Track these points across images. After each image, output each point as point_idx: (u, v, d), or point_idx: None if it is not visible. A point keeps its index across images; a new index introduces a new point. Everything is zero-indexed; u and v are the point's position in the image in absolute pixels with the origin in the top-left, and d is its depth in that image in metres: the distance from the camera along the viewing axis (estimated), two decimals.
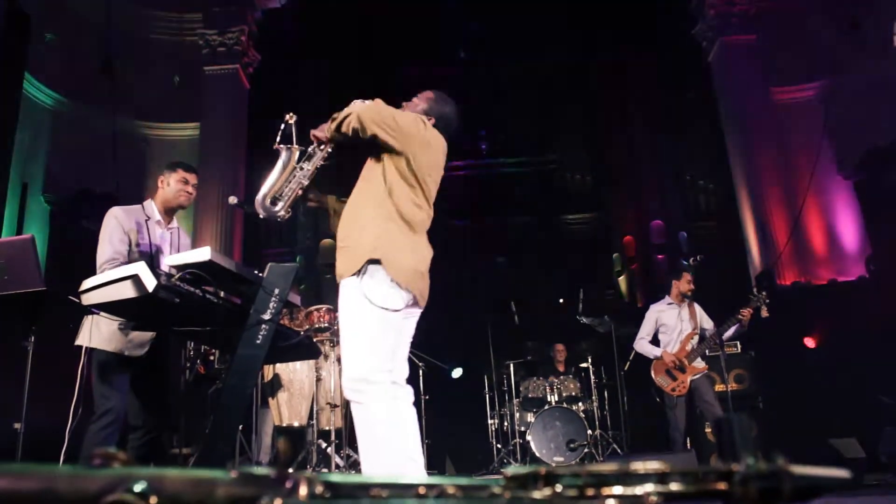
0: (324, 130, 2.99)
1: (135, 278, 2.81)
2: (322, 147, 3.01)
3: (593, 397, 7.46)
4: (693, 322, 6.04)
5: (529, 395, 7.56)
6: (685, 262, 6.98)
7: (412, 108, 3.10)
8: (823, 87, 10.59)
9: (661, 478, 0.59)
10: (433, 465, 6.91)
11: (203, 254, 2.95)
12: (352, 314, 2.71)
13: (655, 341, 6.19)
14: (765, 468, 0.58)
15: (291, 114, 3.05)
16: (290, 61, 11.11)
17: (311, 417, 5.60)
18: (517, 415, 7.52)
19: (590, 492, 0.59)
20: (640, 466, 0.60)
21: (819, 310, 8.44)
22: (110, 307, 3.02)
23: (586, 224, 12.69)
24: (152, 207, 3.75)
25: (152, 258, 3.55)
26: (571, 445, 6.95)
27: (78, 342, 3.45)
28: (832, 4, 10.26)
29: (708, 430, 6.52)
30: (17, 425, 3.25)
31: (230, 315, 3.20)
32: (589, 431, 7.04)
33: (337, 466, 5.34)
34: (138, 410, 3.54)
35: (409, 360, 6.49)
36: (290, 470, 0.57)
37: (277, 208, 2.93)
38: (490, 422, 7.72)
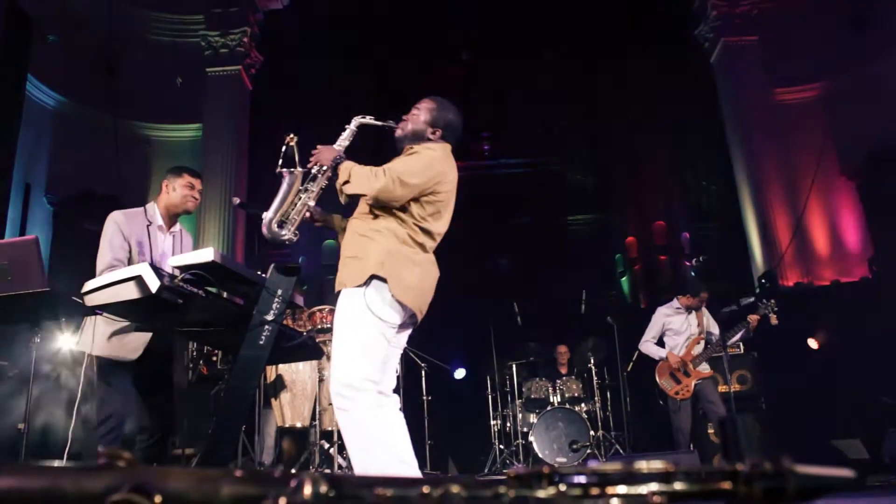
0: (323, 155, 2.95)
1: (138, 279, 2.81)
2: (325, 169, 2.98)
3: (596, 398, 7.45)
4: (700, 327, 6.04)
5: (532, 396, 7.56)
6: (688, 263, 6.97)
7: (414, 120, 3.06)
8: (826, 88, 10.57)
9: (665, 477, 0.59)
10: (436, 466, 6.91)
11: (206, 255, 2.95)
12: (348, 321, 2.72)
13: (660, 344, 6.19)
14: (769, 468, 0.58)
15: (292, 135, 3.02)
16: (292, 62, 11.10)
17: (313, 418, 5.61)
18: (520, 416, 7.51)
19: (594, 491, 0.59)
20: (644, 466, 0.60)
21: (822, 311, 8.42)
22: (114, 308, 3.02)
23: (588, 225, 12.67)
24: (155, 211, 3.71)
25: (151, 262, 3.54)
26: (574, 446, 6.94)
27: (76, 346, 3.45)
28: (835, 5, 10.24)
29: (711, 430, 6.51)
30: (20, 425, 3.26)
31: (233, 316, 3.20)
32: (591, 432, 7.04)
33: (340, 467, 5.34)
34: (146, 412, 3.54)
35: (412, 360, 6.51)
36: (293, 470, 0.58)
37: (284, 231, 2.92)
38: (492, 423, 7.71)
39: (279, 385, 5.72)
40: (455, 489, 0.58)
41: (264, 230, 2.92)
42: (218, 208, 10.03)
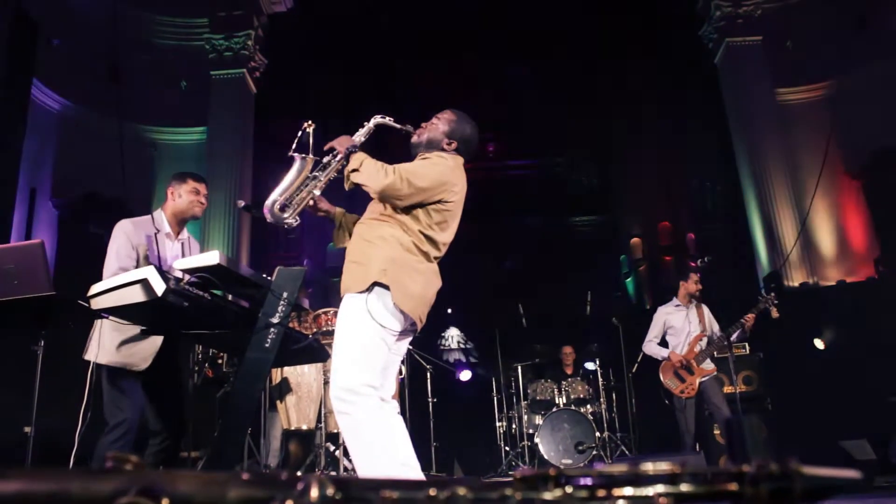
0: (340, 143, 2.96)
1: (144, 282, 2.81)
2: (338, 159, 2.99)
3: (601, 399, 7.45)
4: (701, 324, 6.03)
5: (537, 398, 7.56)
6: (693, 264, 6.97)
7: (433, 129, 3.07)
8: (830, 88, 10.55)
9: (671, 479, 0.59)
10: (441, 468, 6.91)
11: (212, 258, 2.96)
12: (350, 325, 2.72)
13: (664, 343, 6.19)
14: (776, 469, 0.58)
15: (310, 122, 3.03)
16: (296, 65, 11.13)
17: (319, 420, 5.61)
18: (525, 417, 7.51)
19: (600, 493, 0.59)
20: (650, 467, 0.60)
21: (828, 311, 8.40)
22: (119, 311, 3.02)
23: (594, 226, 12.67)
24: (162, 219, 3.69)
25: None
26: (580, 448, 6.94)
27: (85, 356, 3.45)
28: (838, 4, 10.23)
29: (717, 431, 6.50)
30: (27, 429, 3.26)
31: (239, 319, 3.20)
32: (597, 434, 7.03)
33: (345, 469, 5.35)
34: (156, 416, 3.54)
35: (416, 362, 6.50)
36: (299, 473, 0.58)
37: (286, 215, 2.93)
38: (498, 424, 7.71)
39: (285, 388, 5.73)
40: (461, 492, 0.59)
41: (266, 210, 2.92)
42: (223, 211, 10.05)
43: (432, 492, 0.58)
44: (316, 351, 4.10)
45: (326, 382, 5.60)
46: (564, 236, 12.30)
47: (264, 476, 0.57)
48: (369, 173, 2.79)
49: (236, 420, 3.08)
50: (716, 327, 6.07)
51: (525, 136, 12.23)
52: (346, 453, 5.40)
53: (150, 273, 2.82)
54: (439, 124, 3.08)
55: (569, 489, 0.59)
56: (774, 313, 5.87)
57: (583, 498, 0.59)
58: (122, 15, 9.59)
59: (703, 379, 5.86)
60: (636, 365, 7.25)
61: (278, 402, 5.73)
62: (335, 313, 5.84)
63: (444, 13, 10.65)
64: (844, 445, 5.70)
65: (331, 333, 5.65)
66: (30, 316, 3.28)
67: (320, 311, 6.00)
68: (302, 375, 5.75)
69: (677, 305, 6.17)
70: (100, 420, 3.39)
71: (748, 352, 7.02)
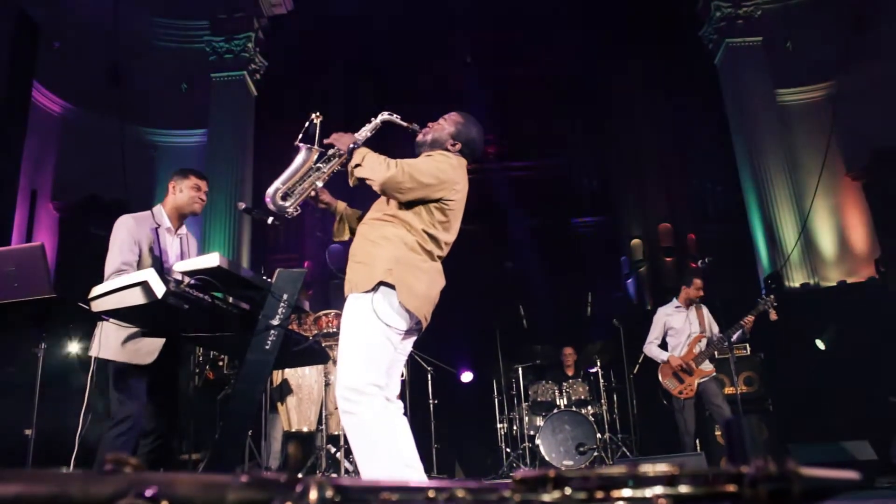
0: (341, 140, 2.97)
1: (144, 285, 2.81)
2: (342, 154, 2.99)
3: (602, 401, 7.44)
4: (701, 325, 6.04)
5: (538, 399, 7.55)
6: (694, 265, 6.97)
7: (438, 129, 3.09)
8: (830, 88, 10.56)
9: (670, 480, 0.59)
10: (442, 470, 6.91)
11: (211, 260, 2.96)
12: (354, 325, 2.73)
13: (664, 345, 6.19)
14: (775, 470, 0.58)
15: (318, 113, 3.04)
16: (296, 68, 11.14)
17: (319, 422, 5.61)
18: (526, 419, 7.50)
19: (599, 494, 0.59)
20: (649, 469, 0.60)
21: (828, 312, 8.40)
22: (120, 314, 3.02)
23: (594, 227, 12.66)
24: (162, 214, 3.72)
25: (162, 265, 3.55)
26: (581, 449, 6.93)
27: (90, 353, 3.46)
28: (838, 5, 10.23)
29: (718, 432, 6.50)
30: (27, 431, 3.26)
31: (239, 321, 3.20)
32: (598, 435, 7.02)
33: (346, 471, 5.35)
34: (151, 415, 3.54)
35: (418, 364, 6.51)
36: (300, 475, 0.58)
37: (287, 204, 2.93)
38: (499, 426, 7.70)
39: (285, 389, 5.73)
40: (460, 494, 0.59)
41: (267, 199, 2.93)
42: (223, 213, 10.06)
43: (431, 494, 0.58)
44: (317, 353, 4.10)
45: (327, 384, 5.61)
46: (565, 237, 12.29)
47: (263, 478, 0.57)
48: (372, 166, 2.80)
49: (237, 422, 3.08)
50: (715, 329, 6.07)
51: (525, 137, 12.23)
52: (346, 455, 5.40)
53: (150, 275, 2.82)
54: (445, 125, 3.10)
55: (568, 491, 0.59)
56: (773, 315, 5.87)
57: (581, 500, 0.59)
58: (122, 17, 9.60)
59: (702, 380, 5.86)
60: (637, 366, 7.25)
61: (279, 403, 5.73)
62: (336, 315, 5.85)
63: (444, 14, 10.66)
64: (845, 446, 5.70)
65: (331, 335, 5.70)
66: (30, 318, 3.29)
67: (321, 312, 6.01)
68: (303, 377, 5.75)
69: (677, 307, 6.17)
70: (101, 422, 3.40)
71: (749, 352, 7.01)
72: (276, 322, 2.99)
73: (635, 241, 11.92)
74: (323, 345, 5.09)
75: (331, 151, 3.01)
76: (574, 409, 7.26)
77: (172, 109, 10.68)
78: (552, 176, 12.63)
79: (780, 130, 10.38)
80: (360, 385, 2.63)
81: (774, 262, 9.75)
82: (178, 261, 3.61)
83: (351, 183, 2.91)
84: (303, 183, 2.98)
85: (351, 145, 2.93)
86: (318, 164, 3.00)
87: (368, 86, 10.81)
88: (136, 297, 2.83)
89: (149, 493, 0.54)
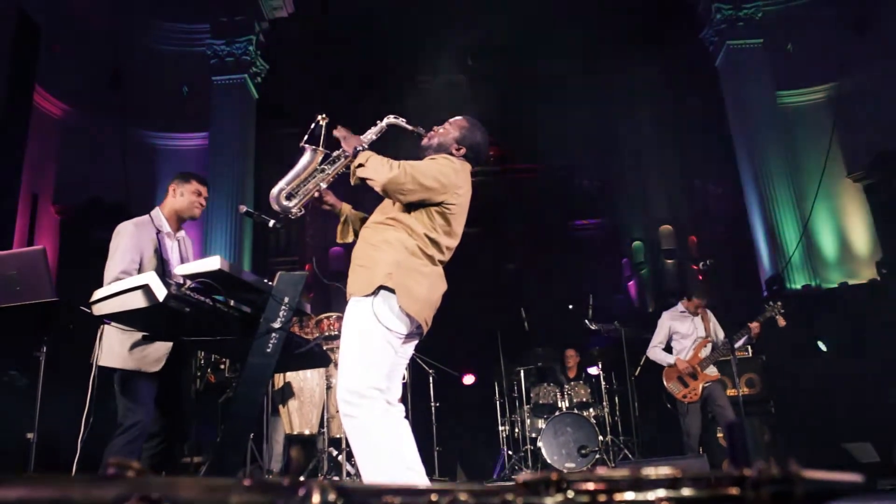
0: (347, 142, 2.98)
1: (145, 288, 2.81)
2: (347, 155, 3.00)
3: (604, 403, 7.43)
4: (706, 329, 6.04)
5: (540, 402, 7.54)
6: (695, 266, 6.96)
7: (444, 134, 3.10)
8: (831, 90, 10.56)
9: (672, 483, 0.59)
10: (444, 472, 6.90)
11: (213, 263, 2.95)
12: (356, 328, 2.73)
13: (668, 348, 6.19)
14: (777, 473, 0.58)
15: (324, 115, 3.05)
16: (297, 71, 11.14)
17: (321, 425, 5.61)
18: (528, 421, 7.50)
19: (602, 497, 0.59)
20: (651, 472, 0.60)
21: (830, 313, 8.39)
22: (121, 317, 3.02)
23: (595, 229, 12.66)
24: (160, 217, 3.73)
25: (163, 269, 3.55)
26: (583, 451, 6.92)
27: (93, 360, 3.45)
28: (839, 6, 10.23)
29: (720, 435, 6.49)
30: (29, 435, 3.26)
31: (240, 324, 3.20)
32: (600, 437, 7.01)
33: (348, 474, 5.34)
34: (156, 419, 3.54)
35: (420, 366, 6.50)
36: (302, 478, 0.58)
37: (291, 204, 2.94)
38: (501, 428, 7.70)
39: (287, 392, 5.73)
40: (463, 497, 0.59)
41: (272, 198, 2.94)
42: (224, 216, 10.06)
43: (434, 497, 0.58)
44: (318, 356, 4.09)
45: (329, 387, 5.60)
46: (566, 240, 12.29)
47: (266, 482, 0.57)
48: (374, 167, 2.81)
49: (238, 425, 3.08)
50: (721, 334, 6.07)
51: (526, 140, 12.22)
52: (348, 458, 5.40)
53: (151, 279, 2.82)
54: (451, 130, 3.11)
55: (570, 494, 0.59)
56: (781, 322, 5.86)
57: (584, 502, 0.59)
58: (124, 21, 9.63)
59: (707, 384, 5.86)
60: (639, 368, 7.24)
61: (281, 406, 5.73)
62: (338, 318, 5.84)
63: (445, 15, 10.65)
64: (848, 448, 5.69)
65: (333, 338, 5.70)
66: (32, 322, 3.28)
67: (322, 315, 6.01)
68: (304, 380, 5.75)
69: (682, 311, 6.17)
70: (102, 425, 3.39)
71: (750, 354, 7.01)
72: (277, 325, 2.98)
73: (636, 243, 11.93)
74: (324, 348, 5.08)
75: (336, 153, 3.02)
76: (576, 411, 7.26)
77: (174, 112, 10.68)
78: (552, 178, 12.62)
79: (781, 132, 10.38)
80: (361, 388, 2.63)
81: (776, 263, 9.74)
82: (178, 264, 3.61)
83: (352, 182, 2.92)
84: (307, 184, 2.99)
85: (357, 147, 2.94)
86: (322, 166, 3.01)
87: (370, 89, 10.81)
88: (137, 301, 2.83)
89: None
